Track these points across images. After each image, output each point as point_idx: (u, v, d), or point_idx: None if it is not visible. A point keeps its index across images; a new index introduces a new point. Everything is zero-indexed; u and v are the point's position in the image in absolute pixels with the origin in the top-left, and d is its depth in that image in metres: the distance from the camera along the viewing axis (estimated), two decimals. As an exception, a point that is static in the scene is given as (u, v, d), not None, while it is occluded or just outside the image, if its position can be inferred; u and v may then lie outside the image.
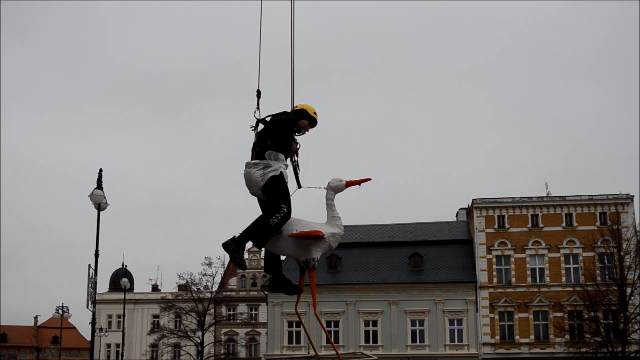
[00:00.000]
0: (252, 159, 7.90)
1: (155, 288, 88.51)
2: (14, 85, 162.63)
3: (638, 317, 46.66)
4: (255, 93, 8.20)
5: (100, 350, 75.79)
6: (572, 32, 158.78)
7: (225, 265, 74.78)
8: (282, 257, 8.36)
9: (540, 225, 57.85)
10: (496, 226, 58.32)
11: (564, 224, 57.62)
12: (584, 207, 57.71)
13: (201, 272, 61.90)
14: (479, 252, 57.94)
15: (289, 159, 7.97)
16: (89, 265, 26.05)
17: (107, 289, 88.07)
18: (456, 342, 56.91)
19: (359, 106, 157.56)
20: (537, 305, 56.38)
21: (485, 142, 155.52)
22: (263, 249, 8.03)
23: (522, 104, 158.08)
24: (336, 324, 58.22)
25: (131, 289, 79.82)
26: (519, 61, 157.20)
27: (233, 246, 7.64)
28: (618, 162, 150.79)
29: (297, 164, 8.20)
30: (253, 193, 7.87)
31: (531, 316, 56.40)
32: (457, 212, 70.14)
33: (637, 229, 51.34)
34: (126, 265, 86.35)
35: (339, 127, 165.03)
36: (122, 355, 59.06)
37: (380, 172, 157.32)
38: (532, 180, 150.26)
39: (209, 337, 63.56)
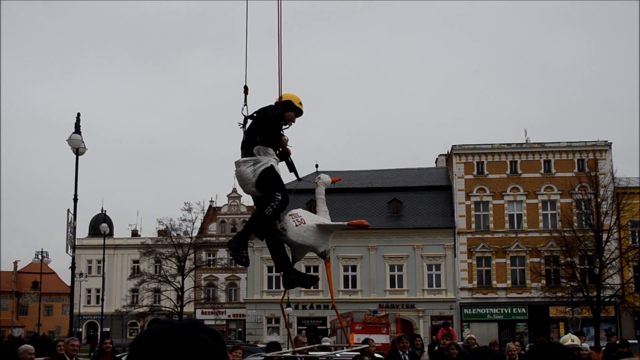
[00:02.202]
0: (242, 157, 7.84)
1: (135, 233, 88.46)
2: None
3: (613, 263, 47.25)
4: (243, 90, 8.08)
5: (80, 295, 75.97)
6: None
7: (205, 211, 74.81)
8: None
9: (519, 171, 58.19)
10: (475, 172, 58.60)
11: (542, 171, 58.00)
12: (563, 153, 58.03)
13: (181, 218, 61.82)
14: (458, 198, 58.28)
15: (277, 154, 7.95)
16: (68, 210, 25.90)
17: (87, 235, 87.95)
18: (434, 287, 57.60)
19: (342, 52, 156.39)
20: (515, 251, 57.03)
21: (467, 89, 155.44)
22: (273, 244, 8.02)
23: (505, 51, 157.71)
24: (315, 269, 58.53)
25: (111, 234, 79.78)
26: (504, 8, 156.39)
27: (234, 243, 7.62)
28: (597, 110, 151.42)
29: (291, 159, 8.25)
30: (247, 191, 7.82)
31: (508, 261, 57.08)
32: (437, 159, 70.32)
33: (614, 175, 51.69)
34: (105, 211, 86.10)
35: (322, 72, 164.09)
36: (103, 299, 59.24)
37: (361, 118, 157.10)
38: (512, 127, 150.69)
39: (189, 282, 63.81)
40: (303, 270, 57.94)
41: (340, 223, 8.63)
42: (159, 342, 1.72)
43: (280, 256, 8.10)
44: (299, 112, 8.20)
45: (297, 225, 7.86)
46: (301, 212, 8.07)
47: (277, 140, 7.90)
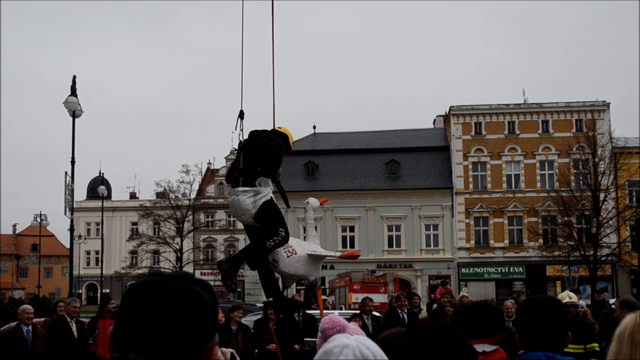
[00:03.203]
0: (231, 182, 7.82)
1: (133, 196, 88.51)
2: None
3: (610, 222, 47.45)
4: (238, 114, 8.03)
5: (79, 257, 76.23)
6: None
7: (203, 173, 74.81)
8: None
9: (517, 132, 58.11)
10: (473, 133, 58.51)
11: (540, 131, 57.91)
12: (561, 114, 57.90)
13: (179, 180, 61.85)
14: (456, 159, 58.25)
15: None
16: (66, 173, 25.91)
17: (85, 197, 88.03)
18: (432, 247, 57.81)
19: (340, 12, 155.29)
20: (512, 211, 57.16)
21: (466, 50, 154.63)
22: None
23: (504, 11, 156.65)
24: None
25: (109, 196, 79.78)
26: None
27: (226, 267, 7.62)
28: (595, 70, 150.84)
29: (281, 186, 8.30)
30: (242, 220, 7.79)
31: (506, 221, 57.24)
32: (435, 119, 70.16)
33: (612, 135, 51.64)
34: (103, 174, 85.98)
35: (320, 34, 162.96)
36: (102, 261, 59.51)
37: (359, 80, 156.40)
38: (510, 87, 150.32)
39: (187, 244, 63.99)
40: (302, 233, 58.33)
41: (332, 254, 8.71)
42: (150, 294, 1.73)
43: (270, 284, 8.13)
44: (288, 149, 8.20)
45: (288, 257, 7.91)
46: (292, 242, 8.09)
47: (277, 171, 7.93)
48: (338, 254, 8.70)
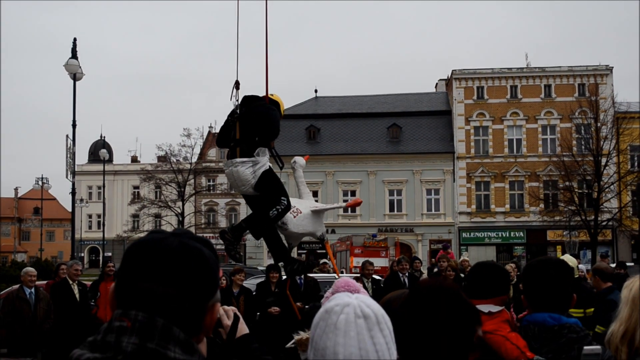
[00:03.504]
0: (223, 146, 7.78)
1: (134, 159, 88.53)
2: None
3: (612, 187, 47.49)
4: (234, 84, 7.94)
5: (81, 221, 76.56)
6: None
7: (204, 137, 74.70)
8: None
9: (519, 96, 57.93)
10: (475, 97, 58.34)
11: (542, 95, 57.73)
12: (563, 78, 57.67)
13: (180, 143, 61.84)
14: (457, 123, 58.16)
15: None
16: (67, 136, 25.90)
17: (87, 161, 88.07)
18: (433, 212, 57.94)
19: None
20: (514, 175, 57.19)
21: (468, 13, 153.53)
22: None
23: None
24: (315, 194, 58.75)
25: (110, 160, 79.90)
26: None
27: (229, 237, 7.59)
28: (599, 34, 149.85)
29: (275, 150, 8.23)
30: (243, 191, 7.74)
31: (507, 186, 57.29)
32: (437, 83, 69.89)
33: (615, 100, 51.45)
34: (104, 137, 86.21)
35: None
36: (104, 225, 59.72)
37: (361, 43, 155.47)
38: (513, 51, 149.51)
39: (189, 207, 64.14)
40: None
41: (335, 206, 8.72)
42: (151, 250, 1.72)
43: (279, 248, 8.11)
44: (280, 116, 8.20)
45: (295, 217, 7.90)
46: (294, 202, 8.09)
47: (274, 140, 7.92)
48: (343, 204, 8.83)
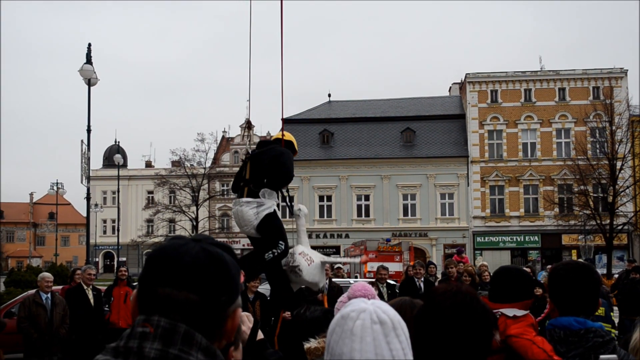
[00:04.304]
0: (237, 192, 7.79)
1: (148, 164, 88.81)
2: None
3: (627, 191, 47.17)
4: (245, 124, 8.03)
5: (96, 226, 76.78)
6: None
7: (218, 141, 74.89)
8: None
9: (533, 99, 57.74)
10: (489, 101, 58.19)
11: (556, 99, 57.52)
12: (578, 81, 57.45)
13: (194, 148, 61.90)
14: (471, 127, 58.02)
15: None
16: (82, 141, 25.99)
17: (101, 166, 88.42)
18: (447, 216, 57.79)
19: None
20: (528, 179, 56.97)
21: (482, 16, 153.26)
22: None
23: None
24: (329, 198, 58.84)
25: (125, 165, 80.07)
26: None
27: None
28: (613, 37, 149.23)
29: (289, 196, 8.25)
30: (246, 231, 7.77)
31: (521, 190, 57.08)
32: (450, 87, 69.82)
33: (630, 103, 51.16)
34: (119, 142, 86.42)
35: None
36: (118, 230, 59.88)
37: (375, 47, 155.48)
38: (527, 54, 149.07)
39: (203, 212, 64.22)
40: (317, 201, 58.44)
41: (347, 260, 8.70)
42: (172, 256, 1.72)
43: (284, 287, 7.98)
44: (294, 155, 8.20)
45: (309, 265, 7.89)
46: (306, 251, 8.07)
47: (286, 185, 7.96)
48: (355, 260, 8.79)
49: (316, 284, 8.23)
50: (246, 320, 2.73)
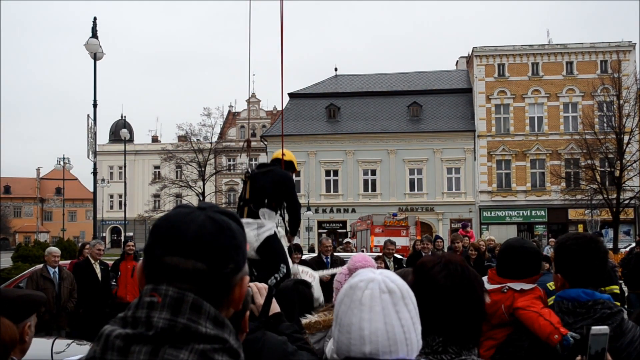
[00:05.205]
0: (238, 209, 7.74)
1: (155, 139, 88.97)
2: None
3: (634, 165, 47.05)
4: (245, 143, 7.95)
5: (103, 201, 76.98)
6: None
7: (224, 116, 74.83)
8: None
9: (541, 73, 57.46)
10: (496, 75, 57.94)
11: (564, 72, 57.24)
12: (585, 55, 57.12)
13: (200, 123, 62.07)
14: (478, 101, 57.82)
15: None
16: (88, 116, 25.94)
17: (108, 141, 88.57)
18: (454, 190, 57.77)
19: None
20: (535, 154, 56.84)
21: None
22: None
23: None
24: (335, 173, 58.83)
25: (131, 140, 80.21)
26: None
27: None
28: (622, 9, 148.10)
29: (284, 218, 8.14)
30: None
31: (528, 164, 56.96)
32: (457, 61, 69.51)
33: (638, 77, 50.86)
34: (125, 117, 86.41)
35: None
36: (125, 205, 60.05)
37: (382, 21, 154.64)
38: (534, 28, 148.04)
39: (210, 187, 64.41)
40: (323, 176, 58.38)
41: (331, 272, 8.60)
42: (178, 224, 1.70)
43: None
44: (293, 172, 8.22)
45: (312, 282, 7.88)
46: (305, 269, 8.03)
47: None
48: (332, 271, 8.65)
49: (317, 300, 8.25)
50: (257, 293, 2.72)
